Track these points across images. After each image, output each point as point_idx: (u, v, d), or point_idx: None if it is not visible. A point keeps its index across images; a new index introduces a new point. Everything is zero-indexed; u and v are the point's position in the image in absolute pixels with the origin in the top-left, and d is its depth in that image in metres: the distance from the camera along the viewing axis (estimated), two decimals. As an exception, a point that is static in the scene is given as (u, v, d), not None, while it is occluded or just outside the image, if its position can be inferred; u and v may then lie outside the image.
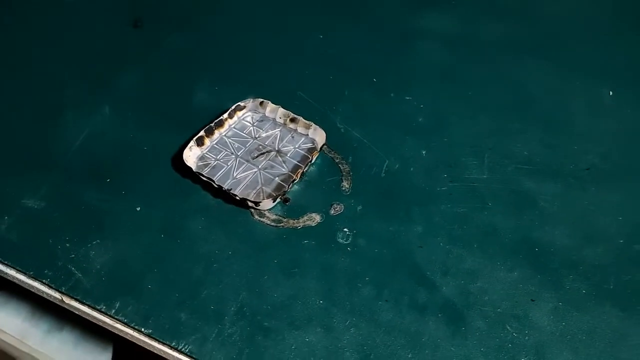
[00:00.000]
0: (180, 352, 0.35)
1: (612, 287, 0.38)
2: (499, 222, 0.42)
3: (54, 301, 0.38)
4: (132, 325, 0.36)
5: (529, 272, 0.39)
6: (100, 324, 0.37)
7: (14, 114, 0.49)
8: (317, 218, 0.42)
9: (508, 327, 0.36)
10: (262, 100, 0.48)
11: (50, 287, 0.38)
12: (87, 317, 0.38)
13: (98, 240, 0.40)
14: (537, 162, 0.47)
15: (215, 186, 0.42)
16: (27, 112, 0.49)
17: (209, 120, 0.47)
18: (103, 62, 0.54)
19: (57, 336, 0.45)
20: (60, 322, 0.46)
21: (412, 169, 0.46)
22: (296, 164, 0.44)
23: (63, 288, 0.38)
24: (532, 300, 0.38)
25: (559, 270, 0.39)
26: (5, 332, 0.45)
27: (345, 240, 0.41)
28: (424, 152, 0.47)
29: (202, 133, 0.45)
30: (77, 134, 0.47)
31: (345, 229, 0.41)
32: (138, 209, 0.42)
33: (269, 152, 0.45)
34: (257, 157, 0.45)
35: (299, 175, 0.43)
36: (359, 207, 0.43)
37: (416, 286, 0.38)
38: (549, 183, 0.45)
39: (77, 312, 0.38)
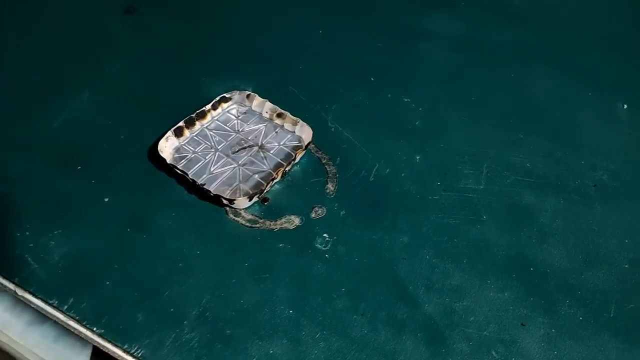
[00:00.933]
0: (133, 355, 0.32)
1: (612, 315, 0.35)
2: (492, 237, 0.39)
3: (9, 292, 0.36)
4: (84, 323, 0.33)
5: (521, 294, 0.36)
6: (54, 318, 0.35)
7: (-8, 94, 0.47)
8: (296, 221, 0.39)
9: (493, 353, 0.33)
10: (249, 92, 0.45)
11: (2, 276, 0.35)
12: (41, 311, 0.35)
13: (60, 230, 0.38)
14: (539, 175, 0.43)
15: (190, 180, 0.39)
16: (6, 93, 0.47)
17: (193, 112, 0.44)
18: (90, 46, 0.52)
19: (38, 329, 0.43)
20: (43, 316, 0.44)
21: (403, 175, 0.43)
22: (279, 162, 0.42)
23: (16, 279, 0.35)
24: (523, 324, 0.34)
25: (554, 293, 0.36)
26: None
27: (323, 247, 0.38)
28: (417, 158, 0.44)
29: (181, 123, 0.42)
30: (54, 117, 0.45)
31: (325, 235, 0.38)
32: (106, 199, 0.40)
33: (250, 147, 0.42)
34: (237, 151, 0.42)
35: (280, 174, 0.40)
36: (342, 212, 0.40)
37: (396, 301, 0.35)
38: (551, 198, 0.42)
39: (31, 305, 0.35)
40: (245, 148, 0.42)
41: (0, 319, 0.43)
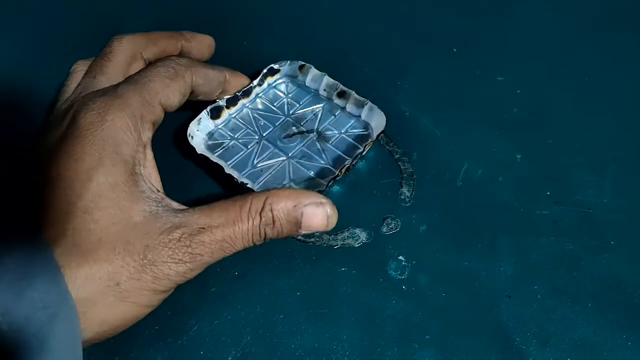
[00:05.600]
0: (149, 416, 0.24)
1: None
2: (625, 272, 0.29)
3: None
4: (88, 364, 0.26)
5: (673, 358, 0.26)
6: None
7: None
8: (362, 236, 0.30)
9: None
10: (302, 63, 0.35)
11: None
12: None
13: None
14: (682, 187, 0.33)
15: (226, 175, 0.30)
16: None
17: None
18: (111, 3, 0.43)
19: None
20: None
21: (500, 179, 0.33)
22: (340, 156, 0.32)
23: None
24: (681, 406, 0.25)
25: None
26: None
27: (399, 274, 0.29)
28: (518, 157, 0.34)
29: (221, 102, 0.33)
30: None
31: (400, 257, 0.29)
32: (121, 196, 0.31)
33: (308, 132, 0.33)
34: (291, 136, 0.33)
35: (342, 172, 0.31)
36: (422, 227, 0.30)
37: (499, 358, 0.26)
38: (701, 220, 0.31)
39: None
40: (302, 132, 0.33)
41: None
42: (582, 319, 0.27)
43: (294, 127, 0.33)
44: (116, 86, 0.26)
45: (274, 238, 0.25)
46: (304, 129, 0.33)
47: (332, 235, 0.30)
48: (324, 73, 0.35)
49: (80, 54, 0.31)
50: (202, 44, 0.32)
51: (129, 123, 0.25)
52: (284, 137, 0.33)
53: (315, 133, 0.33)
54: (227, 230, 0.24)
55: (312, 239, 0.30)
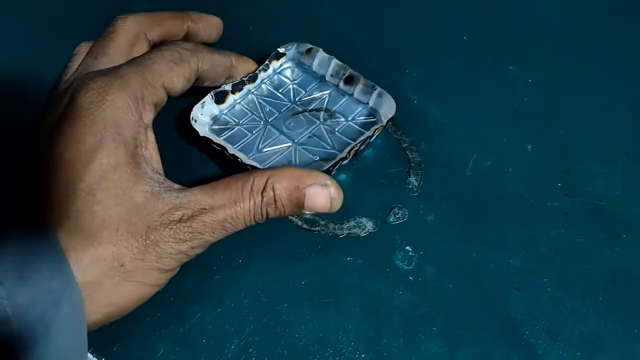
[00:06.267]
0: (150, 404, 0.24)
1: None
2: (637, 264, 0.29)
3: None
4: (90, 351, 0.25)
5: (685, 353, 0.26)
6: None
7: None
8: (368, 225, 0.29)
9: None
10: (310, 46, 0.34)
11: None
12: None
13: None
14: (695, 181, 0.32)
15: (229, 156, 0.29)
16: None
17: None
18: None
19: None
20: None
21: (510, 170, 0.32)
22: (347, 143, 0.31)
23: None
24: (692, 402, 0.24)
25: None
26: None
27: (406, 265, 0.28)
28: (529, 147, 0.33)
29: (227, 87, 0.32)
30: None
31: (407, 248, 0.29)
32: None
33: (317, 110, 0.33)
34: (299, 113, 0.32)
35: (351, 154, 0.30)
36: (430, 217, 0.30)
37: (507, 351, 0.26)
38: None
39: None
40: (319, 110, 0.32)
41: None
42: (593, 312, 0.27)
43: (301, 106, 0.33)
44: (117, 67, 0.26)
45: (277, 217, 0.25)
46: (317, 107, 0.33)
47: (338, 225, 0.29)
48: (332, 56, 0.34)
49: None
50: (210, 25, 0.31)
51: (130, 104, 0.24)
52: (292, 115, 0.32)
53: (323, 112, 0.32)
54: (229, 210, 0.23)
55: (317, 228, 0.29)
